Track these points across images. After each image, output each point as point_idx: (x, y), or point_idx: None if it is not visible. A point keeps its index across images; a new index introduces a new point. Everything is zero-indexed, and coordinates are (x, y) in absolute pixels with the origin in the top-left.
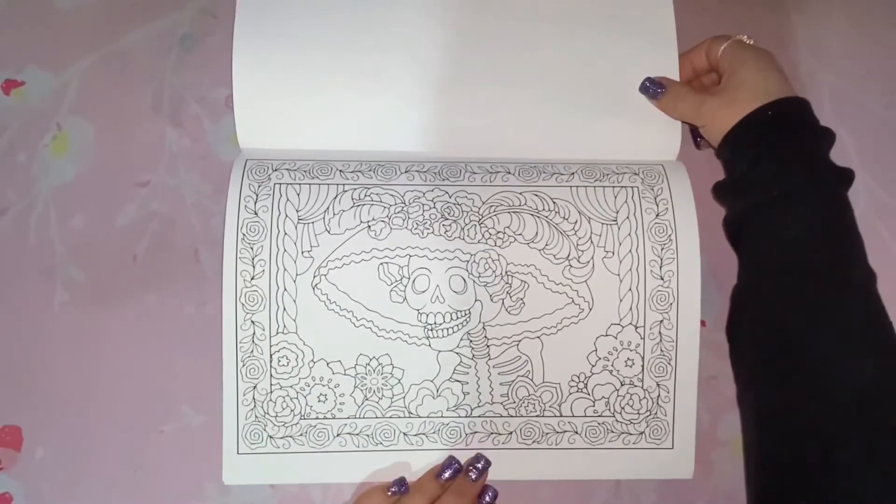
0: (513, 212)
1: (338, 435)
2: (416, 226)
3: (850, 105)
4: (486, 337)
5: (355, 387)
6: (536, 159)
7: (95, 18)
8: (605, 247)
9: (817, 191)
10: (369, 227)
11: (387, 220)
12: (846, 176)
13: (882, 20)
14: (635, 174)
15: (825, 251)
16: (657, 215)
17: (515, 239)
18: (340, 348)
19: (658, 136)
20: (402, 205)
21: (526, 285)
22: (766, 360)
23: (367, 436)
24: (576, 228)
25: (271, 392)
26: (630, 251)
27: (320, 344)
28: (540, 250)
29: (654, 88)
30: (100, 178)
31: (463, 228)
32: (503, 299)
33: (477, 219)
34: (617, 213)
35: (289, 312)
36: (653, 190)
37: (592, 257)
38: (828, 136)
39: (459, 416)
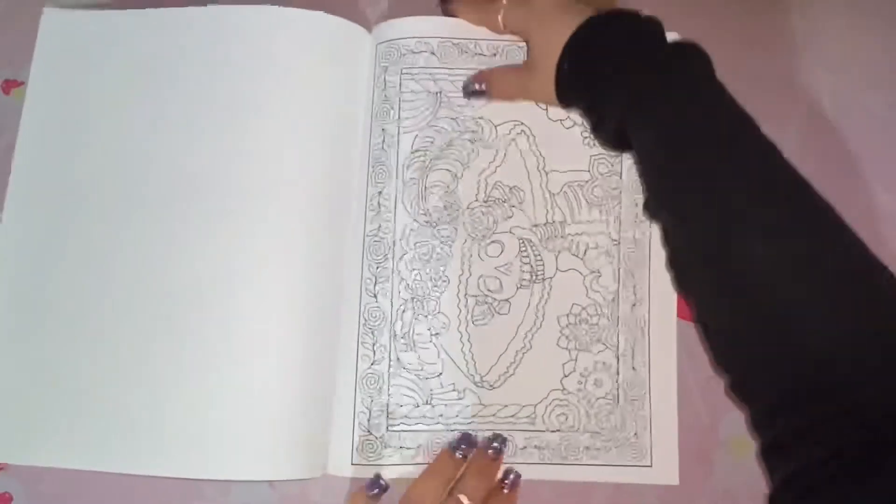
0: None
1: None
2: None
3: (850, 105)
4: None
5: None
6: None
7: None
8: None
9: (644, 100)
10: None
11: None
12: (665, 56)
13: (882, 20)
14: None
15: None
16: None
17: None
18: None
19: None
20: None
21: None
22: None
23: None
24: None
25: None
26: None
27: None
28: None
29: (478, 89)
30: None
31: None
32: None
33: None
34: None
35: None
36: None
37: None
38: (627, 35)
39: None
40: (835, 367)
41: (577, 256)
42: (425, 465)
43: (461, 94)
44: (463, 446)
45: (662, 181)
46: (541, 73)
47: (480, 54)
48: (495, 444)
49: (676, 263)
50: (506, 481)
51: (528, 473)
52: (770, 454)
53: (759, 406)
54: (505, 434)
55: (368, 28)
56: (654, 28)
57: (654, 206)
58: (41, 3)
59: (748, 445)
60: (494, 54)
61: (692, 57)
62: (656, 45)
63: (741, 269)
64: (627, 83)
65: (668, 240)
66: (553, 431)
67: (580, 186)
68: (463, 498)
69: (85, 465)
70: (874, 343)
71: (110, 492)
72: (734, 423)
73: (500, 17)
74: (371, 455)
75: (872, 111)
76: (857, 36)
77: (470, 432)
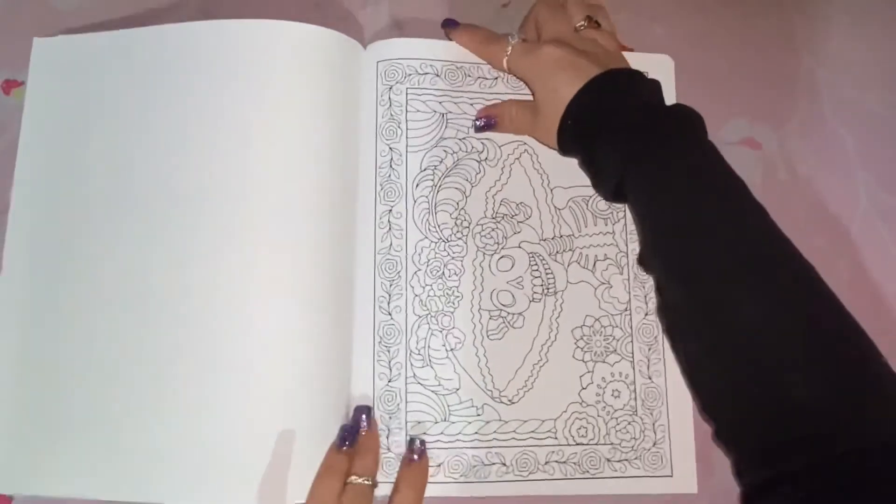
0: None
1: None
2: None
3: (850, 105)
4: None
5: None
6: None
7: (95, 19)
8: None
9: (642, 162)
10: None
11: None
12: (662, 126)
13: (882, 20)
14: None
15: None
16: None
17: None
18: None
19: None
20: None
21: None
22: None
23: None
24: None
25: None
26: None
27: None
28: None
29: (488, 124)
30: None
31: None
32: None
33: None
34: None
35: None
36: None
37: None
38: (628, 97)
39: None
40: (816, 421)
41: (586, 269)
42: (449, 484)
43: (466, 117)
44: (347, 442)
45: (658, 237)
46: (545, 120)
47: (483, 78)
48: (415, 449)
49: (668, 314)
50: (413, 453)
51: (550, 489)
52: (751, 500)
53: (743, 454)
54: (527, 450)
55: (363, 42)
56: (652, 89)
57: (649, 259)
58: (41, 2)
59: None
60: (496, 77)
61: (687, 119)
62: (654, 107)
63: (732, 325)
64: (625, 143)
65: (661, 291)
66: (574, 445)
67: (584, 201)
68: (361, 479)
69: (91, 494)
70: (853, 399)
71: None
72: None
73: (504, 60)
74: (391, 472)
75: (872, 111)
76: (856, 36)
77: (351, 424)
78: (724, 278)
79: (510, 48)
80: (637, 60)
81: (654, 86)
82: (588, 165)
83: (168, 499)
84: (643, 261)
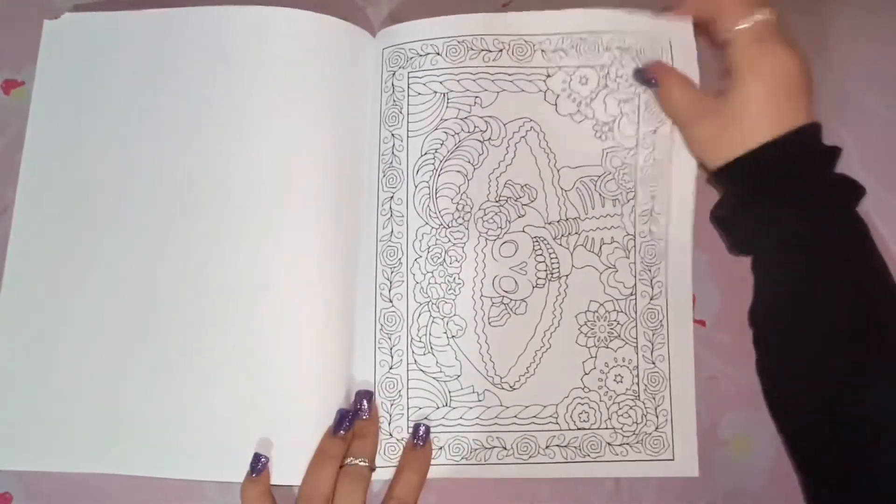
0: None
1: None
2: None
3: (850, 105)
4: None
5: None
6: None
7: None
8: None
9: (808, 235)
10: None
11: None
12: (841, 198)
13: (882, 20)
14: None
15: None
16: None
17: None
18: None
19: None
20: None
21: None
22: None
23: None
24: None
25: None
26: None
27: None
28: None
29: (646, 79)
30: None
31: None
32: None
33: None
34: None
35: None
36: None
37: None
38: (817, 166)
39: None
40: None
41: (592, 252)
42: (449, 466)
43: (468, 94)
44: (345, 424)
45: (795, 312)
46: (715, 137)
47: (486, 50)
48: (419, 435)
49: (781, 378)
50: (417, 439)
51: (551, 472)
52: None
53: None
54: (528, 434)
55: (372, 32)
56: (833, 156)
57: (766, 322)
58: (41, 3)
59: (748, 445)
60: (501, 50)
61: (851, 195)
62: (826, 177)
63: (863, 410)
64: (789, 210)
65: (772, 353)
66: (576, 429)
67: (593, 181)
68: (358, 460)
69: (90, 468)
70: None
71: (110, 492)
72: (734, 422)
73: (735, 29)
74: (392, 457)
75: (872, 111)
76: (856, 36)
77: (347, 409)
78: (862, 364)
79: (751, 21)
80: (657, 22)
81: (835, 153)
82: (731, 208)
83: (169, 473)
84: (756, 319)
